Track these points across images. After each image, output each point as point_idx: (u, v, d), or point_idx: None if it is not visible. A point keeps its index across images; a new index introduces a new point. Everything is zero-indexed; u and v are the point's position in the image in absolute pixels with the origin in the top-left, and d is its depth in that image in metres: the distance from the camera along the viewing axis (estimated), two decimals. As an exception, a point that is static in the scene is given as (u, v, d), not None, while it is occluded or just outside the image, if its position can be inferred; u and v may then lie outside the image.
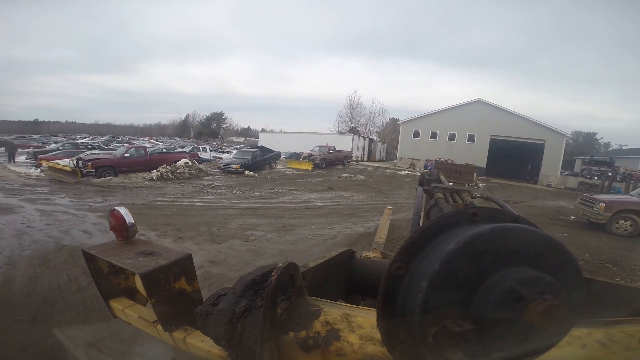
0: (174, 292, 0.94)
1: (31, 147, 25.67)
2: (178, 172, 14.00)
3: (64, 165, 12.99)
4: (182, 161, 14.91)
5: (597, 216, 8.75)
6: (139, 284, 1.02)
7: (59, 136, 62.82)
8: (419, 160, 29.76)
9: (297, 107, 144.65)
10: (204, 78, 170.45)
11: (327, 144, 27.08)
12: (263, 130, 68.14)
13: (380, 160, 38.22)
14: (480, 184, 20.58)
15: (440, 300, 0.45)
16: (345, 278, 1.37)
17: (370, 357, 0.62)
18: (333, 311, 0.72)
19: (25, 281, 4.27)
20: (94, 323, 3.34)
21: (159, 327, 0.93)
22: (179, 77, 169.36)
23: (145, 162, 14.41)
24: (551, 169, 28.00)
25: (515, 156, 31.05)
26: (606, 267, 5.77)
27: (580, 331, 0.62)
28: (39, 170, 15.06)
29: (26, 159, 19.40)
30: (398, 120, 37.27)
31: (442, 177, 2.32)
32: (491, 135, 29.38)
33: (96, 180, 12.65)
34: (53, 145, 29.56)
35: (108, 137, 55.26)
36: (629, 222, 8.50)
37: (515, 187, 23.27)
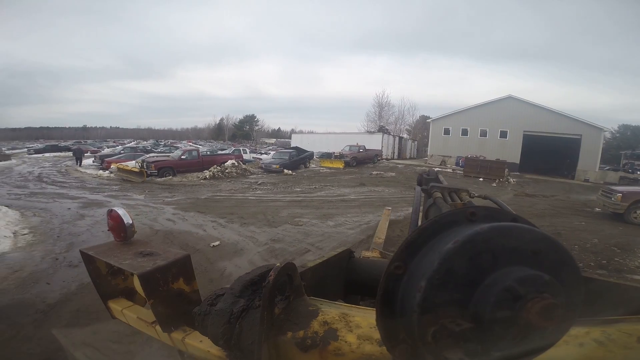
0: (172, 293, 0.93)
1: (99, 152, 28.75)
2: (227, 172, 15.81)
3: (131, 167, 15.12)
4: (229, 162, 16.75)
5: (615, 206, 9.28)
6: (137, 284, 1.01)
7: (109, 141, 68.23)
8: (450, 157, 30.07)
9: (325, 108, 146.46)
10: (235, 81, 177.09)
11: (357, 143, 28.16)
12: (293, 131, 70.07)
13: (411, 158, 38.61)
14: (512, 180, 20.76)
15: (439, 299, 0.45)
16: (345, 278, 1.38)
17: (368, 356, 0.62)
18: (331, 311, 0.72)
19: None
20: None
21: (158, 327, 0.93)
22: (211, 81, 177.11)
23: (199, 163, 16.38)
24: (589, 163, 27.36)
25: (550, 152, 30.42)
26: (611, 249, 6.49)
27: (578, 330, 0.62)
28: (107, 171, 17.43)
29: (93, 162, 22.11)
30: (428, 118, 37.46)
31: (441, 177, 2.32)
32: (524, 131, 29.07)
33: (159, 179, 14.69)
34: (107, 150, 33.07)
35: (151, 141, 59.07)
36: None
37: (549, 182, 23.12)
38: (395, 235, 5.91)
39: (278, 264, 0.70)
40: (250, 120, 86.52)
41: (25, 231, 6.93)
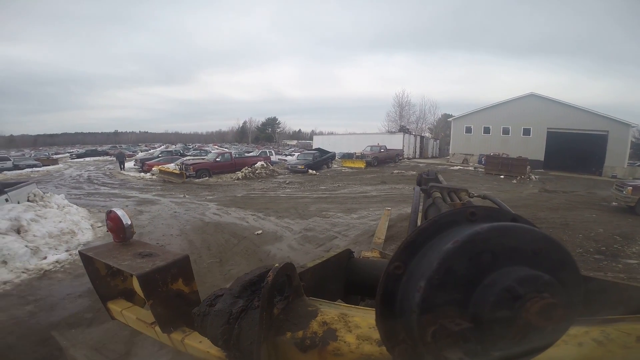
0: (171, 294, 0.94)
1: (133, 155, 30.89)
2: (257, 173, 17.13)
3: (172, 169, 16.67)
4: (259, 163, 18.07)
5: (626, 199, 9.69)
6: (136, 285, 1.01)
7: (141, 145, 71.95)
8: (472, 155, 30.24)
9: (345, 108, 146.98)
10: (255, 84, 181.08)
11: (378, 144, 28.90)
12: (313, 133, 71.22)
13: (433, 157, 38.82)
14: (534, 177, 20.91)
15: (438, 299, 0.45)
16: (344, 278, 1.38)
17: (367, 356, 0.62)
18: (330, 311, 0.73)
19: (200, 241, 6.99)
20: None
21: (157, 328, 0.94)
22: (232, 85, 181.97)
23: (231, 165, 17.79)
24: (617, 160, 26.89)
25: (576, 148, 29.90)
26: (613, 238, 7.06)
27: (577, 329, 0.61)
28: (148, 174, 19.13)
29: (134, 165, 24.02)
30: (450, 116, 37.53)
31: (440, 177, 2.31)
32: (548, 128, 28.84)
33: (197, 180, 16.15)
34: (141, 154, 35.56)
35: (180, 145, 61.75)
36: None
37: (573, 179, 23.04)
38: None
39: (277, 265, 0.71)
40: (272, 122, 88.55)
41: (99, 224, 8.30)
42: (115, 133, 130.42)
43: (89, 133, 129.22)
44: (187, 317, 0.85)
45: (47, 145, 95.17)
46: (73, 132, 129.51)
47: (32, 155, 37.99)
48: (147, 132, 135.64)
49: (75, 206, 9.89)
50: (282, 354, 0.67)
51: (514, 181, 18.59)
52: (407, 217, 9.54)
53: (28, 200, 8.16)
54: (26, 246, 5.57)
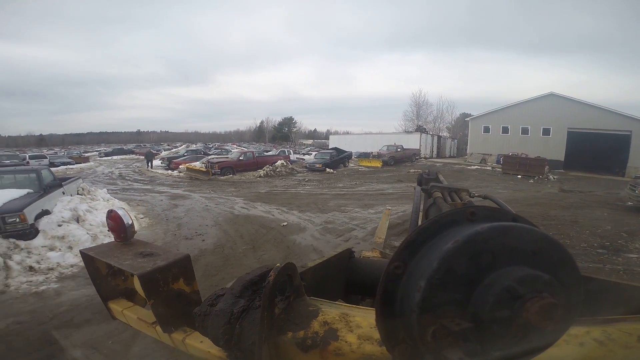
0: (172, 293, 0.94)
1: (157, 154, 32.33)
2: (277, 171, 17.98)
3: (199, 167, 17.69)
4: (279, 162, 18.93)
5: (637, 198, 9.90)
6: (137, 285, 1.01)
7: (163, 144, 74.31)
8: (491, 155, 30.17)
9: (361, 107, 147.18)
10: (271, 85, 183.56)
11: (394, 143, 29.30)
12: (329, 132, 71.70)
13: (450, 157, 38.73)
14: (552, 177, 20.88)
15: (438, 299, 0.45)
16: (345, 278, 1.39)
17: (369, 356, 0.63)
18: (331, 311, 0.73)
19: (234, 231, 7.76)
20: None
21: (158, 328, 0.94)
22: (249, 85, 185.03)
23: (254, 164, 18.74)
24: (640, 160, 26.32)
25: (598, 148, 29.35)
26: (619, 234, 7.37)
27: (578, 329, 0.61)
28: (175, 171, 20.26)
29: (161, 163, 25.31)
30: (469, 116, 37.36)
31: (441, 177, 2.29)
32: (568, 128, 28.48)
33: (222, 177, 17.11)
34: (164, 153, 37.15)
35: (199, 144, 63.45)
36: None
37: (593, 179, 22.80)
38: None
39: (278, 264, 0.71)
40: (288, 122, 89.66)
41: (141, 216, 9.23)
42: (138, 132, 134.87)
43: (113, 132, 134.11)
44: (188, 316, 0.86)
45: (74, 144, 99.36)
46: (98, 132, 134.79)
47: (65, 153, 40.16)
48: (167, 131, 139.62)
49: (116, 199, 10.91)
50: (283, 354, 0.67)
51: (531, 181, 18.69)
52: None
53: (77, 194, 9.17)
54: (87, 233, 6.47)
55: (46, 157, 30.28)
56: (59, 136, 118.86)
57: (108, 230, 1.24)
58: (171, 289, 0.94)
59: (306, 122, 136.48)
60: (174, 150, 44.23)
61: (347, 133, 59.52)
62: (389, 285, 0.52)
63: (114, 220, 1.20)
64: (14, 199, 5.99)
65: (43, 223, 6.06)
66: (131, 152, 47.70)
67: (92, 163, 32.30)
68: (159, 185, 15.97)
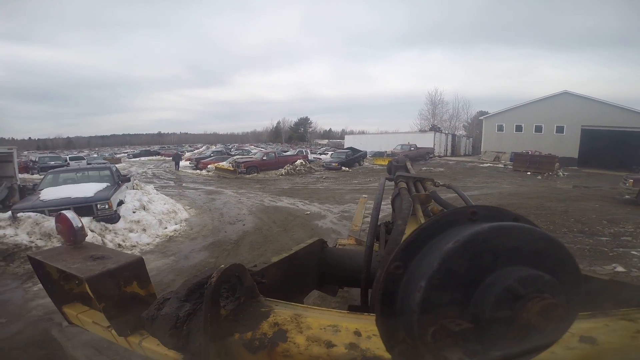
0: (125, 297, 0.93)
1: (186, 155, 34.38)
2: (297, 169, 19.57)
3: (226, 166, 19.44)
4: (298, 161, 20.53)
5: (628, 191, 10.82)
6: (88, 288, 0.98)
7: (184, 145, 77.34)
8: (505, 152, 30.81)
9: (377, 106, 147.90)
10: (287, 85, 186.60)
11: (408, 142, 30.40)
12: (344, 132, 72.86)
13: (465, 155, 39.31)
14: (562, 173, 21.53)
15: (439, 299, 0.45)
16: (318, 268, 1.40)
17: (315, 358, 0.63)
18: (284, 312, 0.73)
19: (267, 218, 9.26)
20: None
21: (114, 331, 0.93)
22: (266, 86, 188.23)
23: (276, 163, 20.43)
24: (659, 157, 26.51)
25: (614, 146, 29.55)
26: (600, 222, 8.37)
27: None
28: (203, 170, 22.08)
29: (189, 163, 27.25)
30: (485, 113, 37.83)
31: (409, 165, 2.27)
32: (582, 126, 28.85)
33: (247, 176, 18.79)
34: (188, 154, 39.32)
35: (219, 145, 65.63)
36: None
37: (605, 175, 23.20)
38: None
39: (222, 266, 0.71)
40: (304, 122, 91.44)
41: (187, 207, 10.87)
42: (159, 134, 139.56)
43: (135, 134, 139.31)
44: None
45: (99, 146, 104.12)
46: (121, 134, 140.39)
47: (98, 155, 43.06)
48: (187, 133, 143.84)
49: (163, 194, 12.63)
50: (232, 355, 0.68)
51: (539, 177, 19.54)
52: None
53: (133, 188, 10.89)
54: (155, 218, 8.10)
55: (84, 159, 32.87)
56: (84, 138, 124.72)
57: (58, 234, 1.25)
58: (124, 292, 0.91)
59: (322, 122, 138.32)
60: (196, 151, 46.59)
61: (363, 132, 60.68)
62: (389, 285, 0.51)
63: (62, 224, 1.17)
64: (100, 190, 7.67)
65: (122, 210, 7.72)
66: (157, 153, 50.42)
67: (124, 164, 34.65)
68: (192, 183, 17.77)
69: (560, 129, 30.03)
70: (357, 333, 0.65)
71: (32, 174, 22.98)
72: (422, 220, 1.18)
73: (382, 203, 1.56)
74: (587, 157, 28.39)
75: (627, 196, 12.05)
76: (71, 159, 31.65)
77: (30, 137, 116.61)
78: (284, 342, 0.65)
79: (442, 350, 0.44)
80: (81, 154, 43.08)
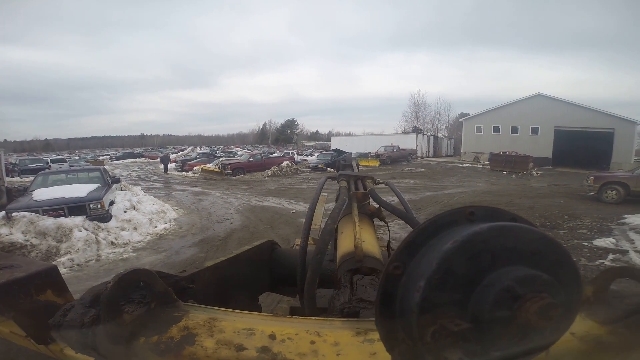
0: (39, 305, 0.86)
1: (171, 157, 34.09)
2: (284, 171, 20.03)
3: (213, 168, 19.70)
4: (285, 163, 21.00)
5: (590, 188, 11.73)
6: None
7: (169, 147, 76.41)
8: (483, 153, 31.94)
9: (365, 108, 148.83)
10: (275, 87, 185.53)
11: (391, 144, 31.26)
12: (331, 133, 73.58)
13: (447, 156, 40.43)
14: (535, 172, 22.67)
15: (438, 299, 0.45)
16: (269, 271, 1.39)
17: None
18: (199, 316, 0.73)
19: (254, 217, 9.70)
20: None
21: (33, 340, 0.87)
22: (252, 87, 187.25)
23: (262, 165, 20.82)
24: (623, 156, 28.20)
25: (584, 146, 31.11)
26: (561, 217, 9.16)
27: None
28: (190, 172, 22.26)
29: (174, 165, 27.25)
30: (466, 115, 39.04)
31: (354, 163, 2.31)
32: (555, 127, 30.29)
33: (234, 177, 19.11)
34: (172, 156, 39.00)
35: (204, 147, 65.14)
36: (614, 192, 11.29)
37: (577, 174, 24.30)
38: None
39: (122, 271, 0.70)
40: (291, 124, 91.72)
41: (176, 207, 11.18)
42: (142, 136, 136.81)
43: (117, 136, 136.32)
44: None
45: (79, 149, 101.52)
46: (102, 136, 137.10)
47: (80, 157, 42.31)
48: (170, 135, 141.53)
49: (151, 195, 12.86)
50: (139, 359, 0.67)
51: (513, 176, 20.57)
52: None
53: (122, 190, 11.13)
54: (145, 217, 8.43)
55: (66, 161, 32.35)
56: (63, 140, 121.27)
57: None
58: (37, 301, 0.85)
59: (308, 124, 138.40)
60: (181, 153, 46.28)
61: (349, 134, 61.58)
62: (388, 286, 0.51)
63: None
64: (92, 191, 7.95)
65: (114, 209, 8.02)
66: (141, 155, 49.82)
67: (107, 166, 34.17)
68: (179, 184, 17.97)
69: (535, 130, 31.45)
70: (272, 337, 0.66)
71: (13, 177, 22.60)
72: (357, 220, 1.23)
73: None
74: (561, 156, 29.76)
75: (590, 193, 12.90)
76: (53, 161, 31.09)
77: (5, 140, 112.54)
78: (191, 345, 0.65)
79: (442, 350, 0.44)
80: (62, 156, 42.10)
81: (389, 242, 1.47)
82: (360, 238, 1.11)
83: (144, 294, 0.74)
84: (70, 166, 30.87)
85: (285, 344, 0.65)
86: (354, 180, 1.69)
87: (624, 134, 28.19)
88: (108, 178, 9.56)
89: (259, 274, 1.39)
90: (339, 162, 2.43)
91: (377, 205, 1.48)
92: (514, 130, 32.44)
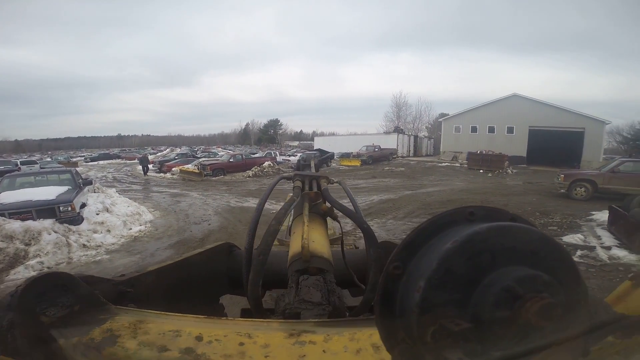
0: None
1: (157, 157, 33.19)
2: (265, 171, 19.86)
3: (192, 169, 19.32)
4: (266, 163, 20.84)
5: (560, 185, 12.22)
6: None
7: (147, 148, 74.46)
8: (462, 152, 32.65)
9: (349, 108, 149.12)
10: (258, 86, 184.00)
11: (373, 144, 31.58)
12: (315, 133, 73.64)
13: (427, 155, 41.09)
14: (510, 171, 23.36)
15: (438, 299, 0.45)
16: (226, 273, 1.38)
17: None
18: (125, 319, 0.73)
19: (233, 218, 9.58)
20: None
21: None
22: (236, 87, 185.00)
23: (243, 165, 20.58)
24: (593, 154, 29.39)
25: (557, 145, 32.28)
26: (533, 213, 9.54)
27: (362, 333, 0.64)
28: (168, 174, 21.75)
29: (152, 166, 26.53)
30: (444, 116, 39.81)
31: (312, 164, 2.29)
32: (530, 127, 31.28)
33: (214, 178, 18.81)
34: (151, 157, 38.05)
35: (184, 147, 63.72)
36: (582, 189, 11.82)
37: (549, 172, 25.18)
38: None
39: (35, 274, 0.71)
40: (274, 124, 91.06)
41: (152, 209, 10.91)
42: (119, 137, 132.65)
43: (92, 137, 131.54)
44: None
45: (52, 150, 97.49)
46: (76, 136, 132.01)
47: (53, 159, 40.65)
48: (149, 135, 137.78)
49: (126, 197, 12.51)
50: None
51: (489, 175, 21.13)
52: (386, 201, 12.12)
53: (95, 192, 10.78)
54: (120, 219, 8.19)
55: (37, 163, 31.00)
56: (35, 141, 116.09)
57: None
58: None
59: (293, 124, 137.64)
60: (159, 154, 45.14)
61: (333, 134, 61.62)
62: (388, 286, 0.52)
63: None
64: (62, 193, 7.66)
65: (86, 212, 7.76)
66: (117, 156, 48.37)
67: (81, 168, 33.03)
68: (156, 186, 17.54)
69: (510, 130, 32.38)
70: (199, 338, 0.66)
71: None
72: (306, 220, 1.23)
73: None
74: (535, 155, 30.70)
75: (561, 190, 13.39)
76: (23, 163, 29.68)
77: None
78: (111, 346, 0.65)
79: (442, 350, 0.44)
80: (33, 158, 40.33)
81: (342, 240, 1.46)
82: (308, 238, 1.12)
83: (63, 296, 0.73)
84: (41, 168, 29.72)
85: (212, 345, 0.65)
86: (309, 180, 1.69)
87: (594, 133, 29.42)
88: (79, 180, 9.23)
89: (216, 276, 1.38)
90: (299, 162, 2.48)
91: (329, 205, 1.47)
92: (491, 130, 33.31)
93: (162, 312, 0.80)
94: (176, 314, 0.80)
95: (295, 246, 1.17)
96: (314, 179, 1.69)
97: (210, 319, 0.78)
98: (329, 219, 1.53)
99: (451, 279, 0.45)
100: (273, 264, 1.35)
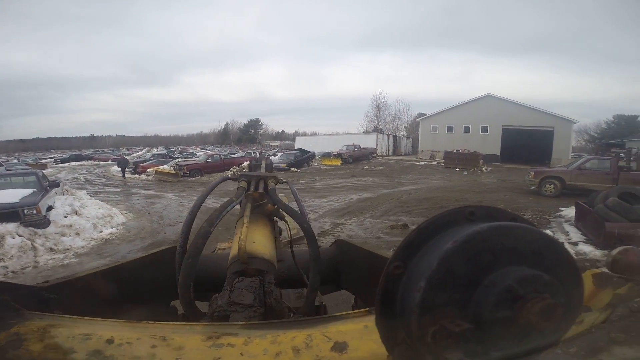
0: None
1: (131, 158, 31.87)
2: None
3: (168, 170, 18.85)
4: (245, 163, 20.42)
5: (531, 182, 12.70)
6: None
7: (122, 149, 71.93)
8: (439, 151, 33.38)
9: (330, 108, 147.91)
10: (239, 85, 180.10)
11: (353, 143, 31.80)
12: (297, 133, 73.39)
13: (405, 155, 41.78)
14: (485, 169, 24.10)
15: (438, 299, 0.45)
16: (173, 278, 1.29)
17: None
18: (36, 323, 0.72)
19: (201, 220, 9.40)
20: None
21: None
22: (216, 86, 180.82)
23: (221, 165, 20.24)
24: (562, 152, 30.72)
25: (528, 143, 33.54)
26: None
27: (285, 335, 0.64)
28: (143, 175, 21.13)
29: (128, 168, 25.67)
30: (422, 116, 40.59)
31: (263, 164, 2.24)
32: (503, 126, 32.35)
33: (191, 179, 18.42)
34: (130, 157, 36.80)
35: (161, 147, 62.01)
36: (552, 186, 12.31)
37: (522, 170, 26.06)
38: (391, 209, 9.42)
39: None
40: (255, 124, 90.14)
41: (125, 211, 10.57)
42: (92, 137, 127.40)
43: (63, 138, 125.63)
44: None
45: (19, 151, 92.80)
46: (46, 137, 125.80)
47: (20, 160, 38.68)
48: (124, 135, 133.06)
49: (97, 199, 12.08)
50: None
51: (465, 173, 21.71)
52: (364, 200, 12.23)
53: (63, 194, 10.34)
54: (89, 222, 7.89)
55: (2, 165, 29.41)
56: (1, 142, 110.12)
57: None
58: None
59: (275, 124, 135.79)
60: (134, 155, 43.72)
61: (315, 134, 61.58)
62: (388, 286, 0.51)
63: None
64: (26, 196, 7.31)
65: (52, 215, 7.43)
66: (89, 158, 46.54)
67: (51, 170, 31.64)
68: (130, 187, 17.02)
69: (484, 129, 33.37)
70: (110, 341, 0.65)
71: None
72: (246, 221, 1.22)
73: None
74: (508, 153, 31.75)
75: (532, 187, 13.71)
76: (-14, 165, 28.12)
77: None
78: (15, 349, 0.64)
79: (442, 350, 0.44)
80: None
81: (291, 240, 1.46)
82: (246, 239, 1.11)
83: None
84: (7, 170, 28.24)
85: (122, 348, 0.64)
86: (255, 181, 1.64)
87: (563, 132, 30.79)
88: (46, 182, 8.83)
89: (165, 280, 1.36)
90: (251, 162, 2.45)
91: (274, 205, 1.45)
92: (466, 129, 34.23)
93: (79, 317, 0.79)
94: (93, 318, 0.79)
95: (234, 248, 1.15)
96: (260, 179, 1.63)
97: (128, 323, 0.77)
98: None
99: (452, 279, 0.45)
100: (221, 266, 1.33)
